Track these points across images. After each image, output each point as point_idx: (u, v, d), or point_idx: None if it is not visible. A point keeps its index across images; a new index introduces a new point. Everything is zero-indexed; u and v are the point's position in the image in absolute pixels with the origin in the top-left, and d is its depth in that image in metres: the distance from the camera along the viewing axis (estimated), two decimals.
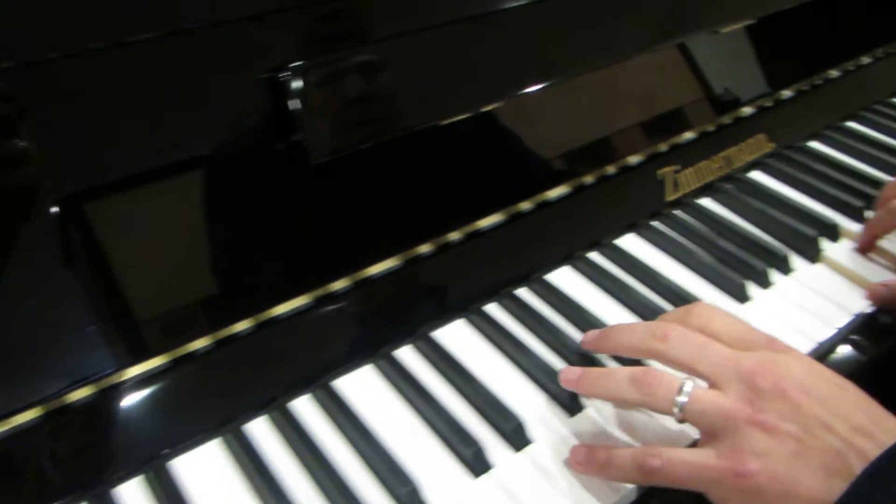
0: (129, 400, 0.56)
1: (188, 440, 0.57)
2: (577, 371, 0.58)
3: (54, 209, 0.52)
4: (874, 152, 0.97)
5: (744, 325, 0.56)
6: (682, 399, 0.50)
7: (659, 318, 0.61)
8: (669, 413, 0.51)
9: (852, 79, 1.08)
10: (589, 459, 0.54)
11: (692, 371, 0.52)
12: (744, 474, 0.46)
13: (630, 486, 0.54)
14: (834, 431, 0.47)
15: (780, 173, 0.93)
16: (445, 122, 0.70)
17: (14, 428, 0.51)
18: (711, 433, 0.50)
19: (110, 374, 0.55)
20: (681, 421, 0.51)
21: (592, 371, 0.58)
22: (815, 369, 0.51)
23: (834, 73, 1.06)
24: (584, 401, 0.61)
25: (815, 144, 0.99)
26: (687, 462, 0.49)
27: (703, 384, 0.52)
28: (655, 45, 0.86)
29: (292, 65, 0.59)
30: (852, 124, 1.04)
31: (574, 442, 0.57)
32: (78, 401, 0.54)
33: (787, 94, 1.00)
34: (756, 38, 0.96)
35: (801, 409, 0.47)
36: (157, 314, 0.57)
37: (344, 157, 0.63)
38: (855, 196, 0.87)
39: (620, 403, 0.59)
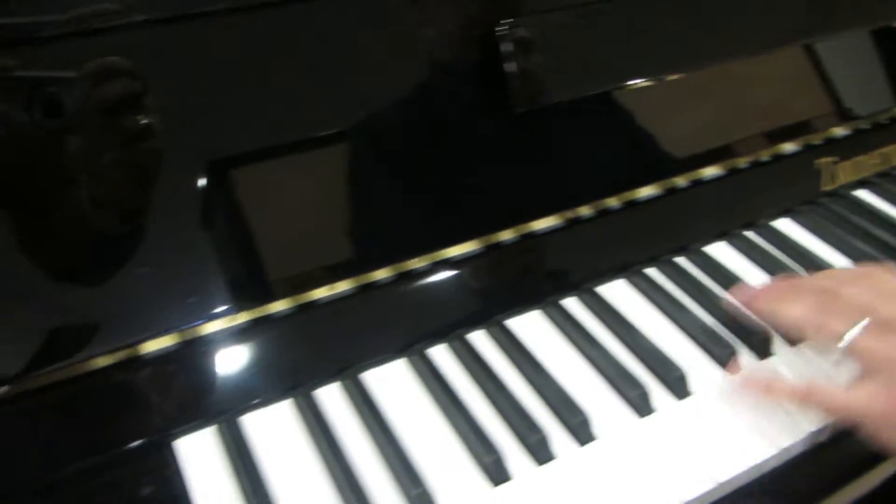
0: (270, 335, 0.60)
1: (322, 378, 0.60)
2: (754, 288, 0.60)
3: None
4: None
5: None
6: (855, 332, 0.51)
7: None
8: (833, 343, 0.52)
9: None
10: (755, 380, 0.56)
11: (870, 312, 0.52)
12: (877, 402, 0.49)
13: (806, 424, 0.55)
14: None
15: None
16: (628, 85, 0.73)
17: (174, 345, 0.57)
18: (873, 370, 0.51)
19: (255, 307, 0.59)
20: (837, 363, 0.53)
21: (774, 286, 0.59)
22: None
23: None
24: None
25: None
26: (849, 392, 0.51)
27: None
28: (816, 35, 0.87)
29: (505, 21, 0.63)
30: None
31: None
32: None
33: None
34: None
35: None
36: (312, 257, 0.61)
37: (541, 111, 0.67)
38: None
39: (788, 326, 0.58)
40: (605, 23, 0.70)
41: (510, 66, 0.65)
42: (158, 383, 0.57)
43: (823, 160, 0.86)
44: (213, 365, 0.58)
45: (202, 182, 0.57)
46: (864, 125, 0.92)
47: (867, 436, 0.50)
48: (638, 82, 0.73)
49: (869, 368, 0.51)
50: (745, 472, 0.54)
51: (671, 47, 0.75)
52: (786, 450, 0.55)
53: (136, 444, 0.54)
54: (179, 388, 0.57)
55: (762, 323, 0.61)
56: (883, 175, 0.89)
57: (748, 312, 0.62)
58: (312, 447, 0.56)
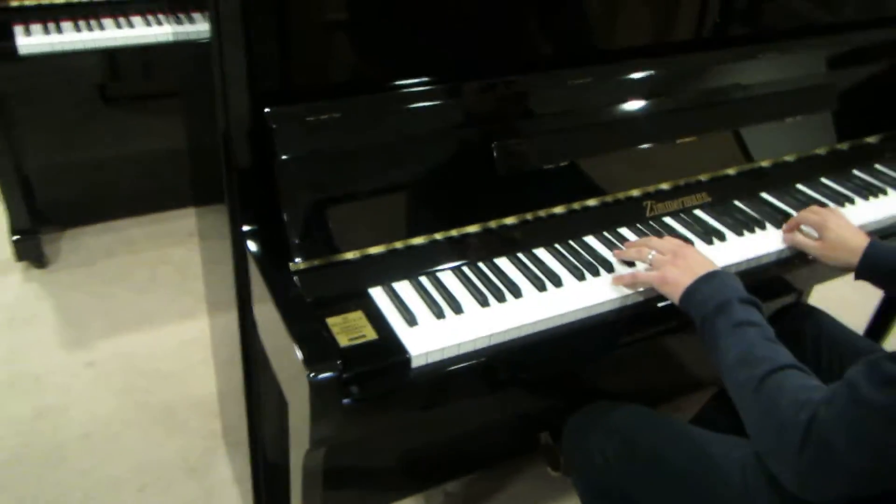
0: None
1: None
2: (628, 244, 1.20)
3: None
4: None
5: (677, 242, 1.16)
6: (650, 256, 1.07)
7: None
8: (645, 261, 1.10)
9: None
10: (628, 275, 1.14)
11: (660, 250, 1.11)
12: (665, 279, 1.06)
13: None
14: (692, 268, 1.08)
15: None
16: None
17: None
18: (655, 267, 1.08)
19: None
20: (647, 266, 1.09)
21: (633, 242, 1.19)
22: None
23: None
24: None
25: None
26: (650, 275, 1.09)
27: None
28: None
29: None
30: None
31: None
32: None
33: None
34: None
35: (685, 261, 1.08)
36: None
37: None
38: None
39: (632, 257, 1.17)
40: None
41: None
42: None
43: None
44: None
45: None
46: None
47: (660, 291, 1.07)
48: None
49: (654, 266, 1.07)
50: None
51: None
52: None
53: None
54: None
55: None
56: None
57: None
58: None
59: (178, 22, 1.86)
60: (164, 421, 1.89)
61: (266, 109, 0.99)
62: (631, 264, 1.19)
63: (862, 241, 1.20)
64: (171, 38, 1.99)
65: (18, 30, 1.93)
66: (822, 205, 1.38)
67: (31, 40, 1.91)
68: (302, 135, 1.02)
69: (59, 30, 1.96)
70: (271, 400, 1.33)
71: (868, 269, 1.19)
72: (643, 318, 1.14)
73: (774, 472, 0.90)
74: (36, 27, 1.95)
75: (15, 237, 2.33)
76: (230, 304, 1.25)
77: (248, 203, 1.06)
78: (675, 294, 1.08)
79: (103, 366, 2.05)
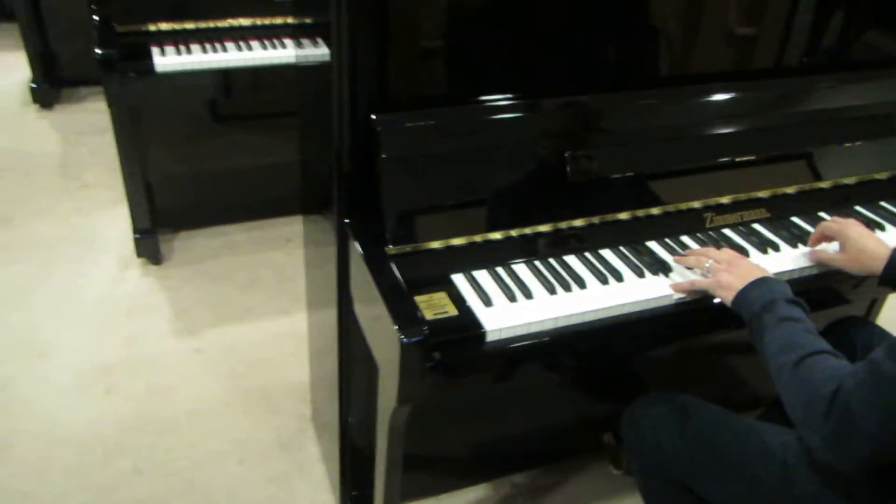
0: None
1: None
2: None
3: None
4: None
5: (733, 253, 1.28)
6: (707, 265, 1.19)
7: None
8: (703, 269, 1.23)
9: None
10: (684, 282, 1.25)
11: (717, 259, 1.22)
12: (720, 283, 1.17)
13: None
14: (744, 275, 1.19)
15: None
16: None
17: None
18: (713, 274, 1.18)
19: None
20: (703, 274, 1.21)
21: (690, 251, 1.31)
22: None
23: None
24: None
25: None
26: (706, 281, 1.21)
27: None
28: None
29: None
30: None
31: None
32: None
33: None
34: None
35: (738, 269, 1.19)
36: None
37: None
38: None
39: (692, 264, 1.29)
40: None
41: None
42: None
43: None
44: None
45: None
46: None
47: (715, 295, 1.18)
48: None
49: (712, 273, 1.18)
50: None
51: None
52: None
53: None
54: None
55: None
56: None
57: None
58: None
59: (299, 46, 2.10)
60: (261, 403, 2.09)
61: (372, 116, 1.18)
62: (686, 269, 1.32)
63: (885, 249, 1.27)
64: (288, 61, 2.23)
65: (155, 51, 2.21)
66: (881, 227, 1.47)
67: (166, 60, 2.19)
68: (401, 138, 1.20)
69: (189, 51, 2.24)
70: (359, 389, 1.51)
71: (892, 275, 1.25)
72: (690, 315, 1.26)
73: (805, 439, 1.01)
74: (169, 48, 2.24)
75: (136, 236, 2.60)
76: (328, 300, 1.45)
77: (353, 200, 1.24)
78: (728, 297, 1.19)
79: (209, 352, 2.27)
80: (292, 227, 2.91)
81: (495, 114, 1.28)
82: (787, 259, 1.36)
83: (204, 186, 2.78)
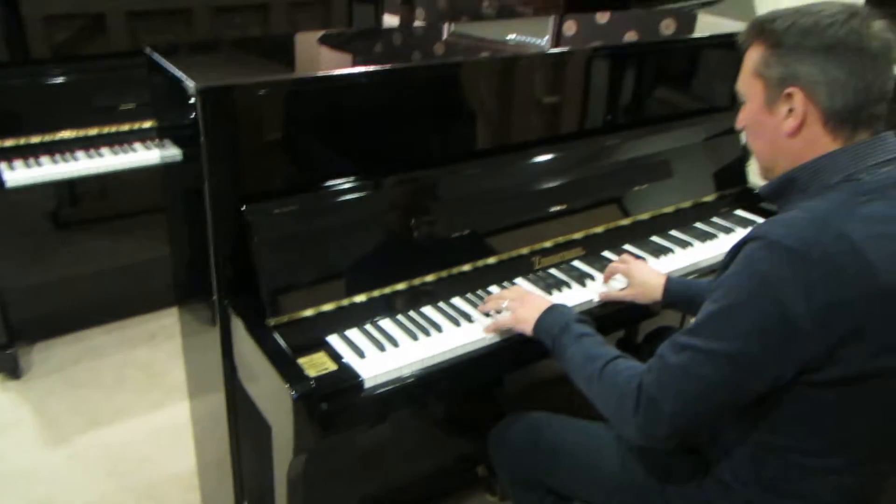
0: None
1: None
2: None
3: None
4: None
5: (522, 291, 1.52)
6: (504, 304, 1.44)
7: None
8: (501, 309, 1.46)
9: None
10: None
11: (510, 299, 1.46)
12: (518, 319, 1.41)
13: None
14: (537, 307, 1.41)
15: None
16: None
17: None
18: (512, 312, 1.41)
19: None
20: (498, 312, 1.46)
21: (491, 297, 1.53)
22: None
23: None
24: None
25: None
26: (506, 318, 1.45)
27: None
28: None
29: None
30: None
31: None
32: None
33: None
34: None
35: (532, 304, 1.42)
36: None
37: None
38: None
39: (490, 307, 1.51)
40: None
41: None
42: None
43: None
44: None
45: None
46: None
47: (517, 329, 1.42)
48: None
49: (510, 311, 1.43)
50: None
51: None
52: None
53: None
54: None
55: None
56: None
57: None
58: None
59: (148, 149, 2.21)
60: (147, 499, 2.12)
61: (243, 207, 1.36)
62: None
63: (661, 279, 1.58)
64: (140, 164, 2.35)
65: (2, 166, 2.26)
66: (671, 251, 1.80)
67: (16, 174, 2.24)
68: (270, 223, 1.38)
69: (39, 163, 2.30)
70: (249, 470, 1.64)
71: (670, 299, 1.57)
72: (518, 347, 1.48)
73: (621, 432, 1.25)
74: (18, 163, 2.29)
75: None
76: (214, 381, 1.58)
77: (231, 282, 1.41)
78: (528, 328, 1.42)
79: (84, 456, 2.27)
80: (156, 322, 2.94)
81: (349, 194, 1.49)
82: (601, 286, 1.64)
83: (58, 294, 2.77)
